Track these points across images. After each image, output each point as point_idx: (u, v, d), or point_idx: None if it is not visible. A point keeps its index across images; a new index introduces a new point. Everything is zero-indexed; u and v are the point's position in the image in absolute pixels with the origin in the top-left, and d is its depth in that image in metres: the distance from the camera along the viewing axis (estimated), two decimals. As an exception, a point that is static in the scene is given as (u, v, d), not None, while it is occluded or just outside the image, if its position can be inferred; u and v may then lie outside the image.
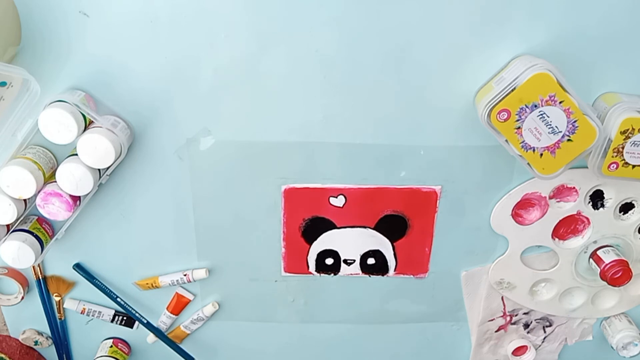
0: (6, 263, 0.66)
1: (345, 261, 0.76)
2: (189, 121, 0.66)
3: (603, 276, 0.72)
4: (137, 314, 0.78)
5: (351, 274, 0.77)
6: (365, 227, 0.73)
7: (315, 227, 0.73)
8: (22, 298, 0.75)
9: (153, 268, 0.76)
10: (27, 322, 0.80)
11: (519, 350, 0.84)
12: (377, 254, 0.75)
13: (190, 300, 0.78)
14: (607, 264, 0.71)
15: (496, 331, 0.82)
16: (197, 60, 0.62)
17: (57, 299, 0.77)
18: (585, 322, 0.82)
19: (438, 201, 0.71)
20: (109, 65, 0.62)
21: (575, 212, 0.71)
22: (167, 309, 0.79)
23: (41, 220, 0.70)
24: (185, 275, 0.75)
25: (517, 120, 0.58)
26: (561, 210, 0.71)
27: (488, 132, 0.59)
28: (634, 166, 0.62)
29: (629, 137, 0.60)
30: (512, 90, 0.57)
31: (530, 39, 0.60)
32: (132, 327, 0.80)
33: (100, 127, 0.61)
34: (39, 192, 0.63)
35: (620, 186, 0.69)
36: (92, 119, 0.61)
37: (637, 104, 0.61)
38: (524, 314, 0.80)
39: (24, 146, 0.64)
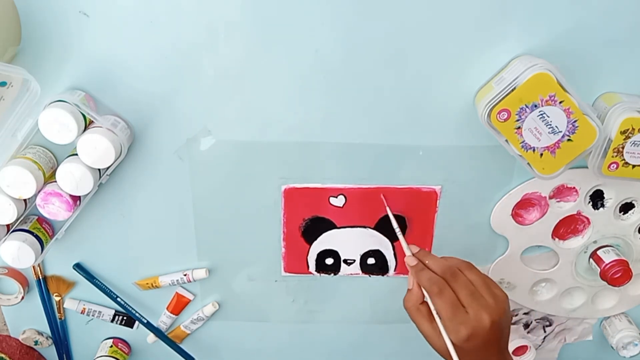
0: (6, 263, 0.66)
1: (345, 261, 0.75)
2: (189, 121, 0.66)
3: (603, 276, 0.72)
4: (137, 314, 0.78)
5: (351, 274, 0.77)
6: (365, 227, 0.73)
7: (315, 227, 0.73)
8: (22, 298, 0.75)
9: (153, 268, 0.76)
10: (27, 322, 0.80)
11: (519, 350, 0.84)
12: (377, 254, 0.75)
13: (190, 300, 0.78)
14: (607, 264, 0.71)
15: (496, 331, 0.82)
16: (197, 60, 0.62)
17: (57, 299, 0.77)
18: (585, 322, 0.82)
19: (438, 201, 0.71)
20: (109, 65, 0.62)
21: (575, 212, 0.71)
22: (167, 309, 0.79)
23: (41, 220, 0.70)
24: (185, 275, 0.75)
25: (517, 120, 0.58)
26: (561, 210, 0.71)
27: (488, 132, 0.59)
28: (634, 166, 0.62)
29: (629, 137, 0.60)
30: (512, 90, 0.56)
31: (530, 39, 0.60)
32: (132, 327, 0.80)
33: (100, 127, 0.61)
34: (39, 192, 0.63)
35: (620, 186, 0.69)
36: (92, 119, 0.61)
37: (637, 104, 0.61)
38: (524, 314, 0.80)
39: (24, 146, 0.64)
